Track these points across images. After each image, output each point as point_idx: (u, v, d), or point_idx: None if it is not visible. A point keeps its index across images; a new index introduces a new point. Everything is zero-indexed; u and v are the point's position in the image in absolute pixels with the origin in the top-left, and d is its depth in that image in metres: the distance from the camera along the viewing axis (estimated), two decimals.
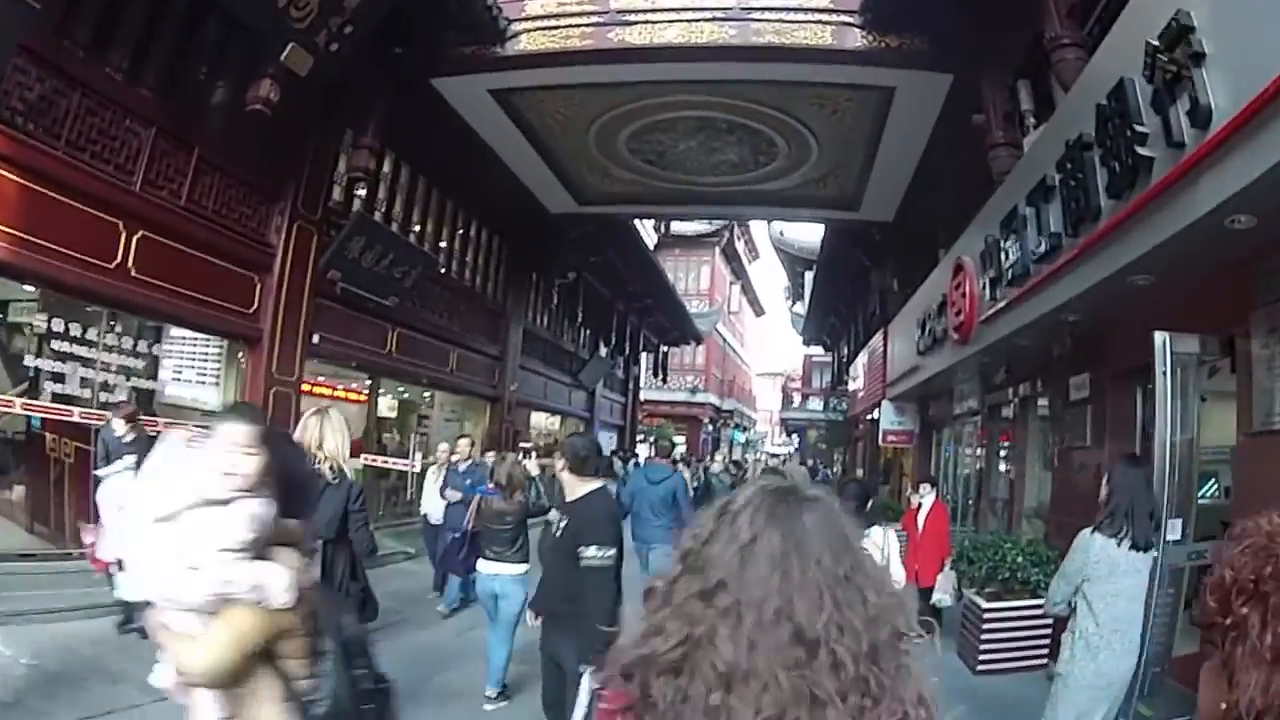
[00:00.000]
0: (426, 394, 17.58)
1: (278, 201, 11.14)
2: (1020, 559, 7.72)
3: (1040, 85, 8.74)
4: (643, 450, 30.82)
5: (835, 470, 34.11)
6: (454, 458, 10.33)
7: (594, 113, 13.04)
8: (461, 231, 17.22)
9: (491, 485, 6.69)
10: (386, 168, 14.21)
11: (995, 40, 8.88)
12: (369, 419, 15.46)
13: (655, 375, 35.13)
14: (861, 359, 21.26)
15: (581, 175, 15.98)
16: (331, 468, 4.90)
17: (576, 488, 4.42)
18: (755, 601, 1.06)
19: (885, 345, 16.59)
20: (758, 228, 44.81)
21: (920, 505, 9.18)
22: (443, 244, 16.34)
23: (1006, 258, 7.82)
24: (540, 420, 25.89)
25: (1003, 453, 11.37)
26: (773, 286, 49.58)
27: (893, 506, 15.83)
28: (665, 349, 34.78)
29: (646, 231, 29.92)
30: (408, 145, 14.06)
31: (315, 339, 11.99)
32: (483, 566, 6.35)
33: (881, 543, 5.18)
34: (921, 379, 13.01)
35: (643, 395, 35.60)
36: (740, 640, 1.04)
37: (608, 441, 29.05)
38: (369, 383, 15.31)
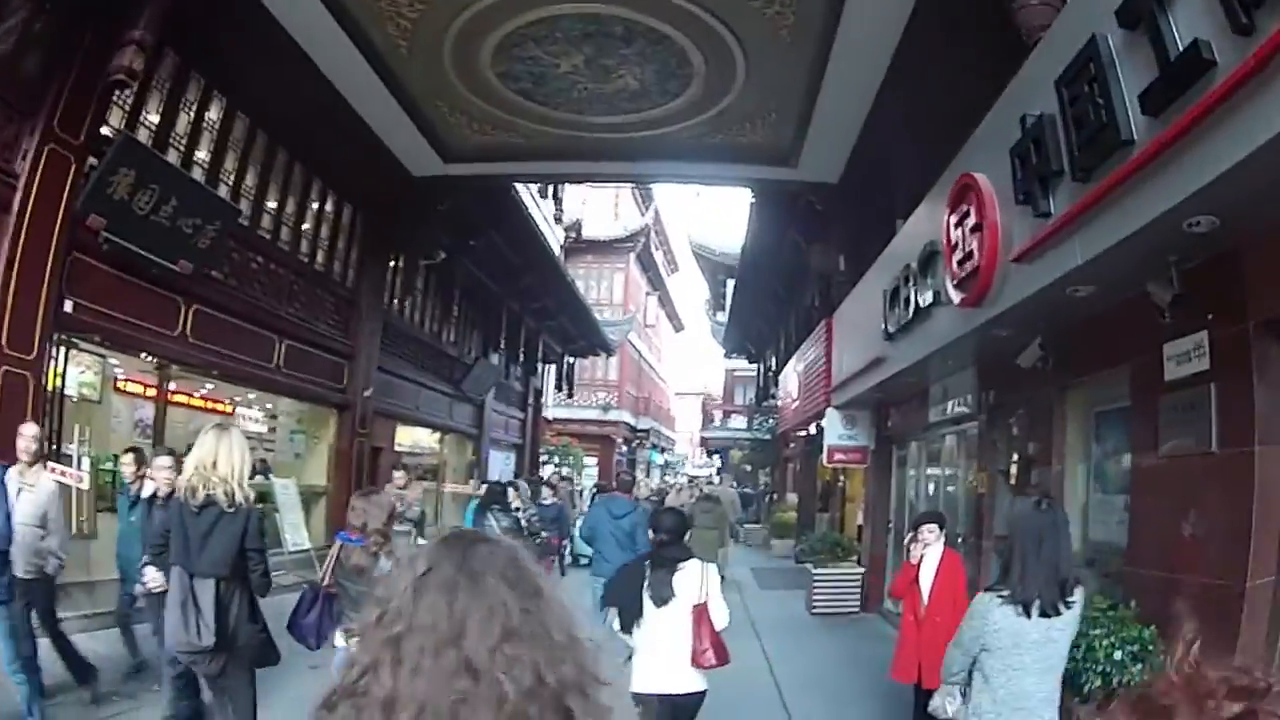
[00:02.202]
0: (246, 395, 13.77)
1: (30, 118, 8.15)
2: (1118, 652, 4.43)
3: None
4: (546, 472, 27.61)
5: (764, 491, 31.82)
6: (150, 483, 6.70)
7: (446, 16, 9.62)
8: (300, 193, 13.60)
9: (353, 531, 5.32)
10: (193, 96, 10.86)
11: None
12: (158, 418, 11.63)
13: (560, 389, 31.46)
14: (794, 366, 18.32)
15: (444, 121, 12.59)
16: (227, 493, 4.44)
17: None
18: (423, 628, 1.09)
19: (829, 341, 13.63)
20: (677, 236, 42.97)
21: (923, 559, 5.95)
22: (269, 204, 12.75)
23: (1075, 130, 4.58)
24: (418, 436, 22.15)
25: (1014, 470, 8.02)
26: (692, 302, 48.02)
27: (841, 543, 13.72)
28: (571, 360, 31.16)
29: (554, 234, 26.46)
30: (220, 69, 10.85)
31: (67, 306, 8.76)
32: (341, 640, 5.08)
33: (699, 579, 4.76)
34: (883, 376, 9.86)
35: (548, 412, 32.21)
36: (404, 667, 1.06)
37: (502, 462, 25.46)
38: (157, 372, 11.49)
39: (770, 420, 27.57)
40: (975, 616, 3.89)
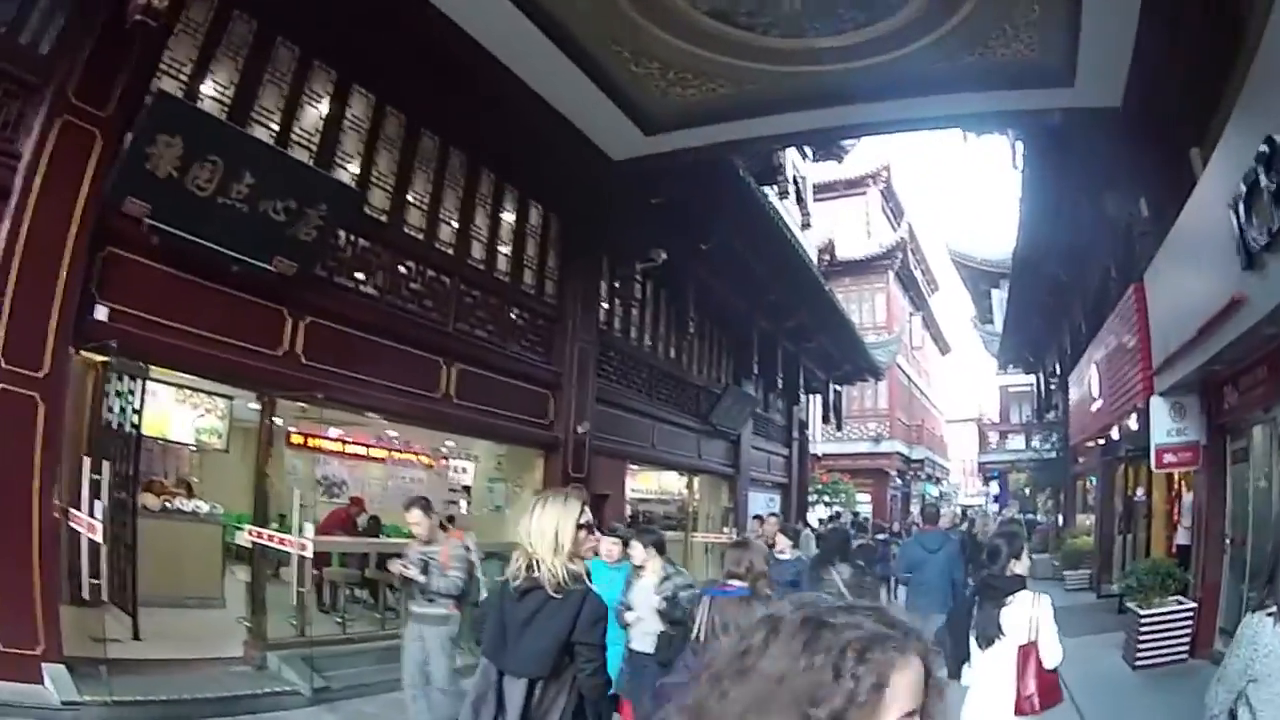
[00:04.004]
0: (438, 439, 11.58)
1: (37, 89, 6.59)
2: None
3: None
4: (815, 515, 24.40)
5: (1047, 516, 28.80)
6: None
7: None
8: (463, 187, 11.29)
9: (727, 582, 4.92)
10: (286, 66, 8.87)
11: None
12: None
13: (827, 422, 27.89)
14: (1087, 362, 15.14)
15: (632, 77, 9.92)
16: (553, 575, 3.65)
17: None
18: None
19: (1140, 312, 10.86)
20: (934, 253, 40.30)
21: None
22: (419, 199, 10.51)
23: None
24: (664, 481, 19.43)
25: None
26: (957, 322, 44.12)
27: (1173, 573, 10.57)
28: (838, 388, 27.48)
29: (803, 240, 23.25)
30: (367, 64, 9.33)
31: (99, 313, 6.95)
32: None
33: (1028, 614, 4.50)
34: (1245, 326, 6.99)
35: (814, 448, 29.01)
36: None
37: (765, 505, 22.27)
38: (257, 405, 9.44)
39: (1053, 435, 25.02)
40: (1243, 643, 3.50)
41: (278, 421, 9.46)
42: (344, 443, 14.95)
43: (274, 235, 7.95)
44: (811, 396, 26.71)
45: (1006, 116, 11.73)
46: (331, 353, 8.94)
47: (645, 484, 19.85)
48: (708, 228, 14.40)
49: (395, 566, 6.69)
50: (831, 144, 18.93)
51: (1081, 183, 12.66)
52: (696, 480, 19.40)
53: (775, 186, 18.87)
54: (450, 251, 10.81)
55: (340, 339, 9.06)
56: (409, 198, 10.33)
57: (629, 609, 5.96)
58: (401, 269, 10.08)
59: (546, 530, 3.74)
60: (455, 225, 10.94)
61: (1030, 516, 28.28)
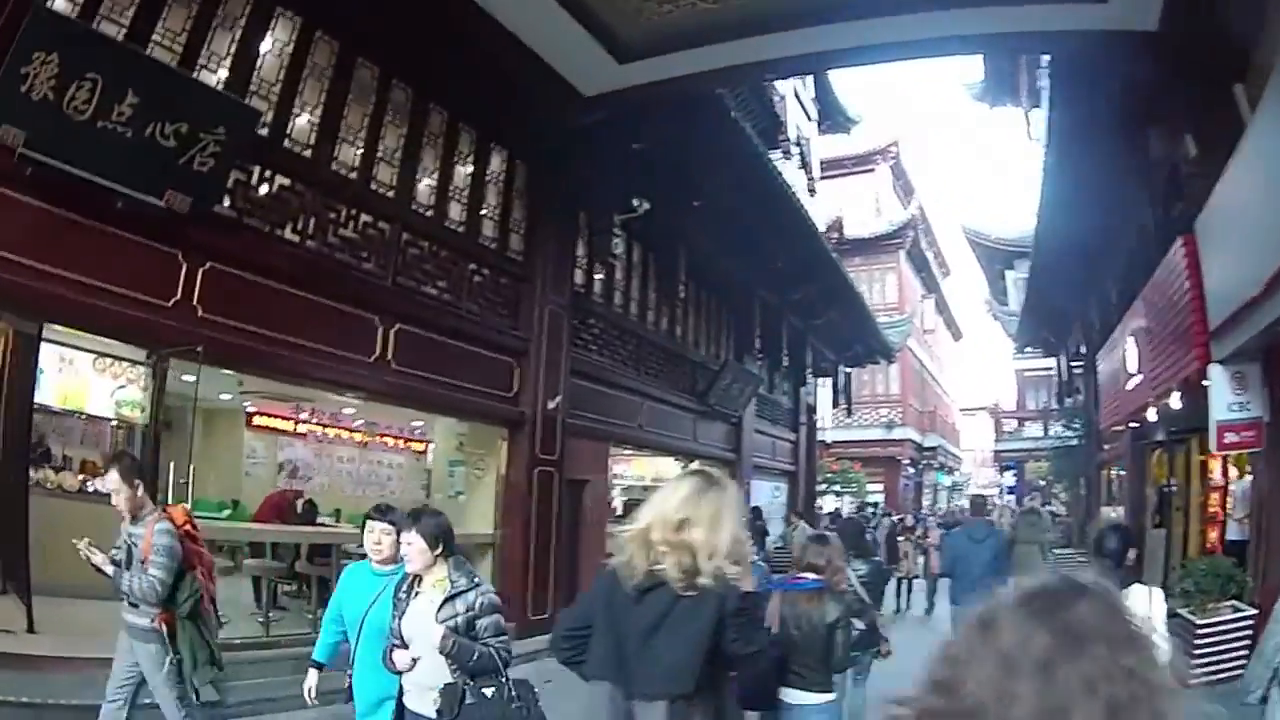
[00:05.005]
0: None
1: None
2: None
3: None
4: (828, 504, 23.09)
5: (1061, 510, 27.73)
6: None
7: None
8: (406, 122, 9.84)
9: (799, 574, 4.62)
10: None
11: None
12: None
13: (837, 406, 26.52)
14: (1123, 333, 13.61)
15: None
16: (684, 568, 2.91)
17: None
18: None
19: (1192, 266, 9.39)
20: (945, 235, 40.04)
21: None
22: (355, 137, 9.11)
23: None
24: (658, 466, 18.02)
25: None
26: (969, 307, 45.04)
27: (1235, 576, 9.39)
28: (848, 370, 26.00)
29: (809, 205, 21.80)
30: None
31: None
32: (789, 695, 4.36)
33: (1147, 605, 4.25)
34: None
35: (823, 435, 27.86)
36: None
37: (770, 494, 20.85)
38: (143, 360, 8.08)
39: (1076, 421, 23.73)
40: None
41: (175, 385, 8.11)
42: (297, 422, 13.78)
43: (164, 165, 6.74)
44: (820, 380, 25.31)
45: (1028, 39, 10.40)
46: (237, 305, 7.59)
47: (641, 470, 18.50)
48: (699, 181, 12.95)
49: (81, 548, 4.66)
50: (828, 68, 17.10)
51: (1116, 124, 11.22)
52: (694, 466, 17.99)
53: (778, 150, 17.47)
54: (391, 195, 9.39)
55: (248, 289, 7.71)
56: (341, 135, 8.93)
57: (401, 644, 3.85)
58: (331, 213, 8.67)
59: (702, 520, 2.98)
60: (396, 167, 9.51)
61: (1049, 507, 26.63)
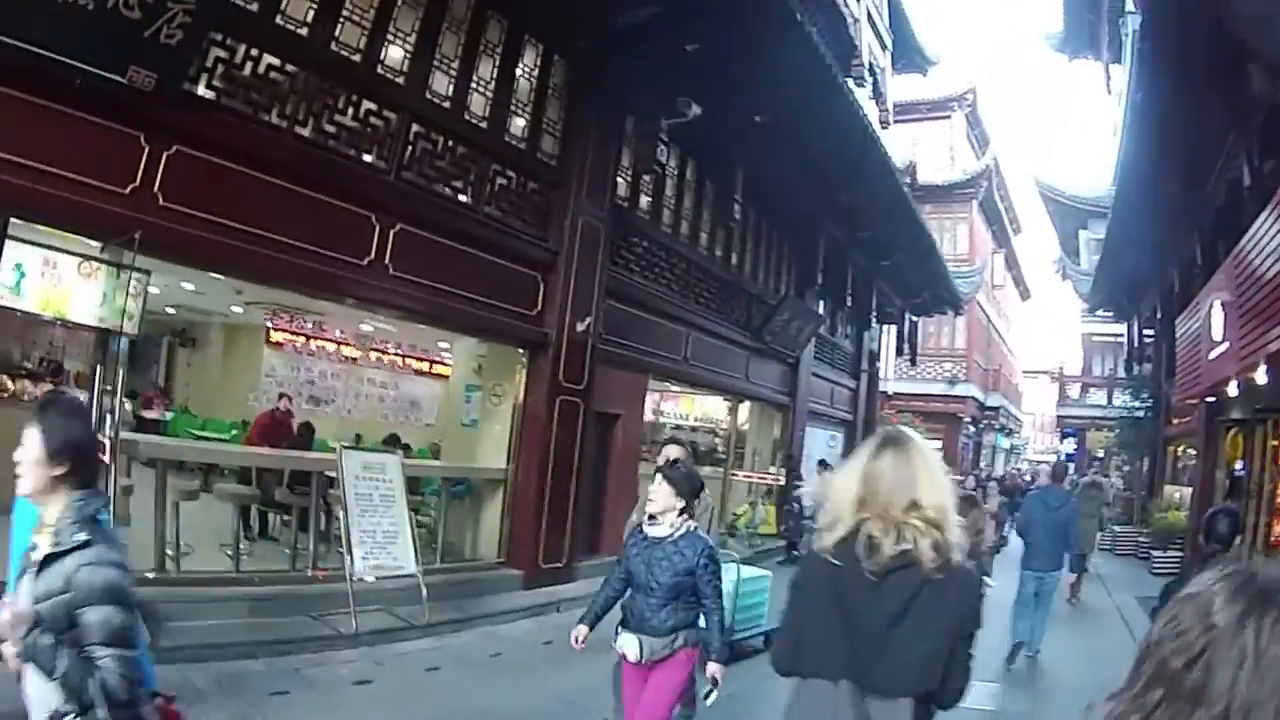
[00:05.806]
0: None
1: None
2: None
3: None
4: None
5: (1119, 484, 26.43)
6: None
7: None
8: (454, 21, 8.83)
9: None
10: None
11: None
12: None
13: (900, 354, 25.16)
14: (1214, 289, 11.77)
15: None
16: (937, 546, 2.54)
17: None
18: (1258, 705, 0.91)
19: None
20: (1018, 190, 38.17)
21: None
22: (397, 34, 8.22)
23: None
24: (707, 406, 16.95)
25: None
26: (1038, 268, 42.60)
27: None
28: (914, 318, 24.41)
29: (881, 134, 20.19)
30: None
31: None
32: None
33: None
34: None
35: (884, 385, 26.65)
36: None
37: (825, 443, 19.67)
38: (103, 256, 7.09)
39: (1143, 391, 23.10)
40: None
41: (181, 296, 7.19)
42: (308, 338, 13.03)
43: (127, 38, 5.84)
44: (884, 327, 23.93)
45: None
46: (205, 194, 6.64)
47: (687, 409, 17.49)
48: (764, 97, 11.55)
49: None
50: None
51: (1209, 63, 9.61)
52: (743, 407, 16.88)
53: (850, 76, 16.00)
54: (400, 82, 8.30)
55: (220, 177, 6.77)
56: (345, 13, 7.84)
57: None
58: (328, 98, 7.63)
59: (940, 490, 2.65)
60: (409, 53, 8.41)
61: (1109, 479, 25.74)
